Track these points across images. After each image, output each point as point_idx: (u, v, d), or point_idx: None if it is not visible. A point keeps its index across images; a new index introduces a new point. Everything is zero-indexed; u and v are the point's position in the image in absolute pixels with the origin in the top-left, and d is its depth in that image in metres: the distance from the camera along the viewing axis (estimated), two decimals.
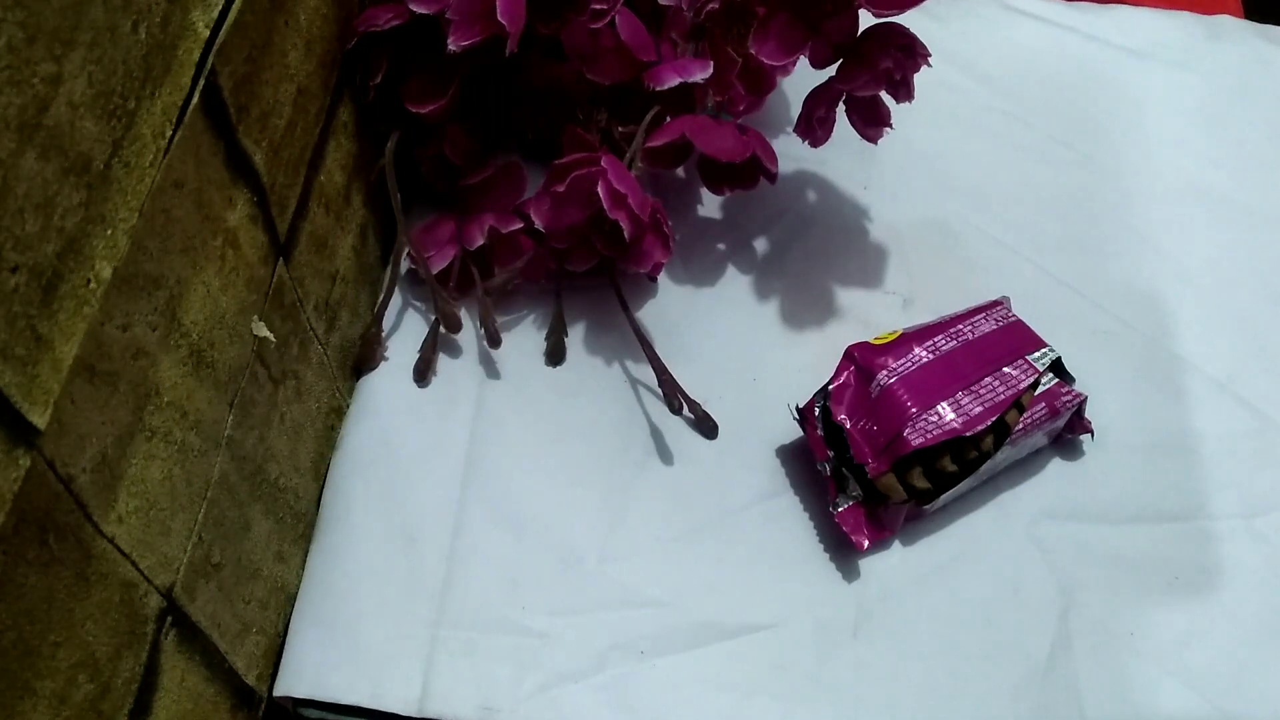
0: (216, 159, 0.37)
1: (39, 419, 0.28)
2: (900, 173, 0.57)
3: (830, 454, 0.52)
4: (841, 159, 0.61)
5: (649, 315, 0.58)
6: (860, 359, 0.52)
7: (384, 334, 0.56)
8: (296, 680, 0.47)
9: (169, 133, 0.33)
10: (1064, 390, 0.53)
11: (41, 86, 0.27)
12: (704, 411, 0.54)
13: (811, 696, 0.48)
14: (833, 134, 0.57)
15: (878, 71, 0.52)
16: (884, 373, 0.51)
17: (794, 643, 0.50)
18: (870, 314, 0.59)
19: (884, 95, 0.55)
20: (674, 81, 0.52)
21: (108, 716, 0.34)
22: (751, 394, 0.56)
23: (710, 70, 0.52)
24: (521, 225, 0.55)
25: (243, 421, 0.42)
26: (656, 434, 0.55)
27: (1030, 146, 0.67)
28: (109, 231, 0.30)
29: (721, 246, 0.62)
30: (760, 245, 0.62)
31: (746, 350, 0.58)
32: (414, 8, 0.49)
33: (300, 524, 0.50)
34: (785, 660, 0.49)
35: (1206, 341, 0.60)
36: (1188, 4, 0.75)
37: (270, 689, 0.47)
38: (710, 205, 0.63)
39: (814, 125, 0.56)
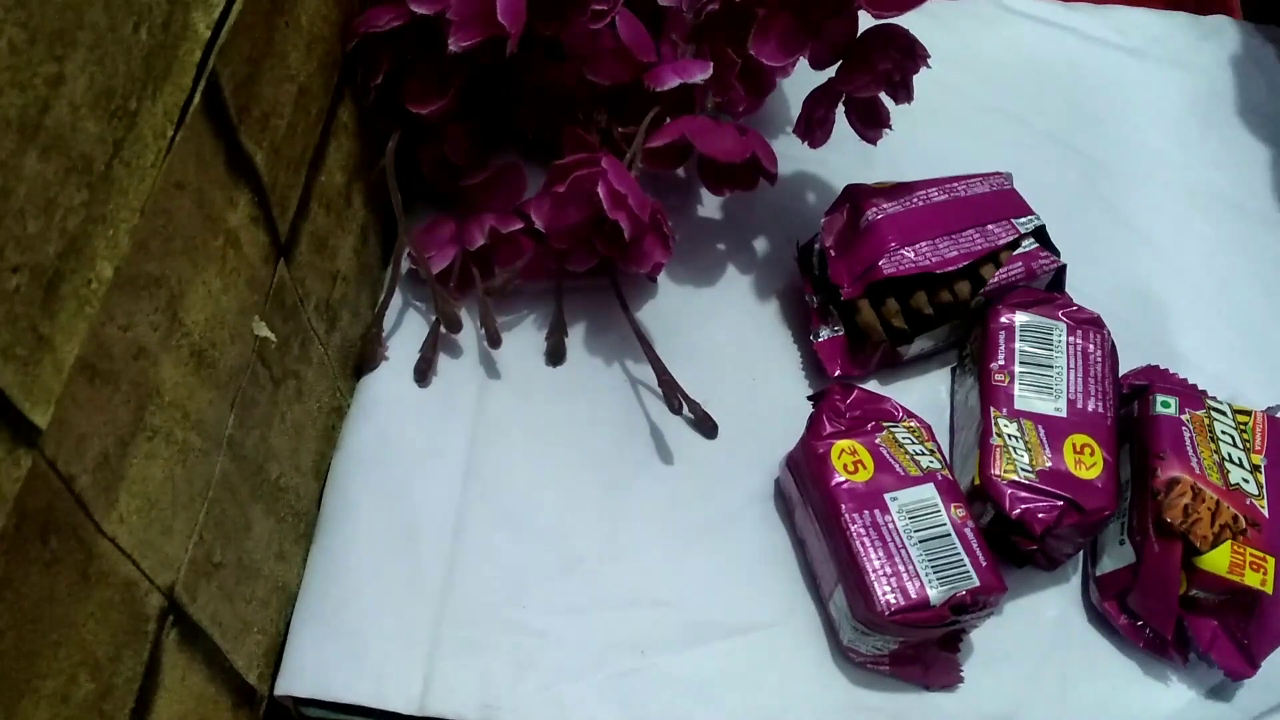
0: (218, 159, 0.37)
1: (40, 419, 0.28)
2: (900, 173, 0.57)
3: (819, 297, 0.56)
4: (841, 159, 0.61)
5: (649, 315, 0.58)
6: (855, 195, 0.56)
7: (384, 334, 0.56)
8: (297, 679, 0.47)
9: (170, 133, 0.33)
10: (1043, 254, 0.55)
11: (43, 87, 0.27)
12: (704, 411, 0.54)
13: (811, 696, 0.48)
14: (832, 134, 0.57)
15: (877, 73, 0.52)
16: (873, 209, 0.55)
17: (794, 642, 0.50)
18: None
19: (883, 96, 0.55)
20: (674, 82, 0.52)
21: (109, 715, 0.34)
22: (751, 394, 0.56)
23: (710, 71, 0.52)
24: (522, 225, 0.55)
25: (244, 421, 0.42)
26: (656, 434, 0.55)
27: (1030, 146, 0.67)
28: (110, 232, 0.30)
29: (721, 246, 0.62)
30: (760, 245, 0.62)
31: (746, 350, 0.58)
32: (414, 8, 0.49)
33: (301, 523, 0.50)
34: (785, 660, 0.49)
35: (1204, 339, 0.60)
36: (1186, 4, 0.75)
37: (271, 688, 0.47)
38: (710, 205, 0.63)
39: (813, 126, 0.57)
